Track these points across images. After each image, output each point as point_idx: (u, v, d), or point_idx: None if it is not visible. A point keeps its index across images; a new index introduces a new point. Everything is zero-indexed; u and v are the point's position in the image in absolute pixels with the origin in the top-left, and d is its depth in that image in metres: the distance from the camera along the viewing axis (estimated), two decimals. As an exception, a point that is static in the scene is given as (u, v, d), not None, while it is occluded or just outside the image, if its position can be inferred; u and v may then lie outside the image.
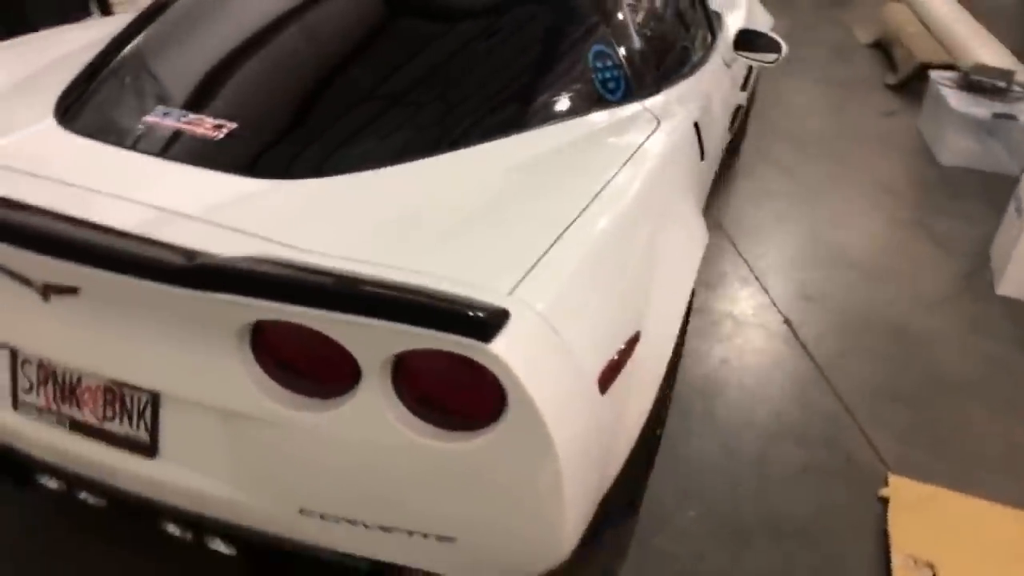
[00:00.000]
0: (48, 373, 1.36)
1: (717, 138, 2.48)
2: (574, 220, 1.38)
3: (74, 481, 1.46)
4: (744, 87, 3.47)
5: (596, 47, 1.87)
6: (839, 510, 2.05)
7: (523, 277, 1.20)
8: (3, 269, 1.24)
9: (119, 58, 1.65)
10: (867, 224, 3.55)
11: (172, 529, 1.46)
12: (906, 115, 4.91)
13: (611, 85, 1.88)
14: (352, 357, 1.14)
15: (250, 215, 1.25)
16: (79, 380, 1.34)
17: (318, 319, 1.10)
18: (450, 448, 1.18)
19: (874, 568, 1.88)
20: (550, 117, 1.72)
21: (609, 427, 1.36)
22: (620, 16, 1.99)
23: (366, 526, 1.29)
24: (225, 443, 1.29)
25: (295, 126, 1.46)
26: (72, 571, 1.74)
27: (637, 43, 2.04)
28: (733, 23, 3.18)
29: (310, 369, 1.20)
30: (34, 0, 3.54)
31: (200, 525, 1.41)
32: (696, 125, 2.06)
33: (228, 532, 1.40)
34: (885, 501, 2.05)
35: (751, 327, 2.76)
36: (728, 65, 2.82)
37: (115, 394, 1.33)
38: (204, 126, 1.44)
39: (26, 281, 1.22)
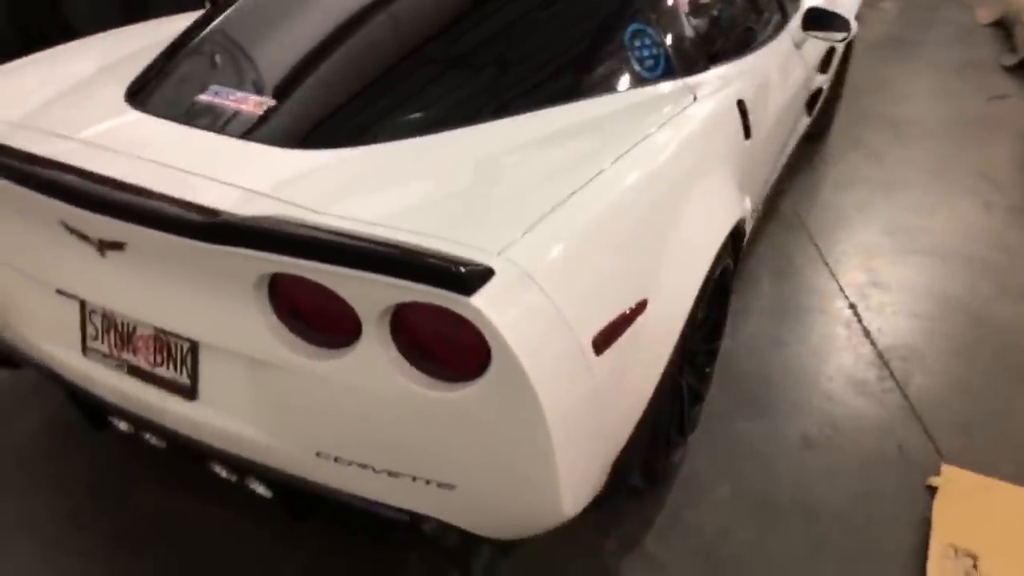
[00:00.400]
0: (109, 322, 1.54)
1: (777, 119, 2.44)
2: (583, 186, 1.43)
3: (137, 423, 1.64)
4: (824, 69, 3.37)
5: (633, 26, 1.90)
6: (883, 498, 1.99)
7: (518, 238, 1.26)
8: (69, 228, 1.41)
9: (184, 48, 1.83)
10: (957, 211, 3.37)
11: (220, 471, 1.62)
12: (1019, 98, 4.59)
13: (649, 63, 1.91)
14: (352, 309, 1.24)
15: (275, 181, 1.37)
16: (134, 328, 1.51)
17: (320, 272, 1.20)
18: (443, 397, 1.26)
19: (911, 556, 1.83)
20: (582, 92, 1.76)
21: (608, 389, 1.40)
22: (660, -3, 2.01)
23: (375, 470, 1.39)
24: (252, 388, 1.42)
25: (327, 101, 1.58)
26: (147, 506, 1.93)
27: (681, 23, 2.05)
28: (811, 2, 3.10)
29: (319, 320, 1.31)
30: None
31: (240, 467, 1.55)
32: (741, 103, 2.04)
33: (262, 474, 1.53)
34: (934, 490, 1.98)
35: (814, 312, 2.70)
36: (798, 46, 2.75)
37: (162, 342, 1.49)
38: (248, 103, 1.58)
39: (85, 237, 1.39)
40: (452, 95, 1.64)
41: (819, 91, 3.39)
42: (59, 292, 1.56)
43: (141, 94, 1.68)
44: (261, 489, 1.61)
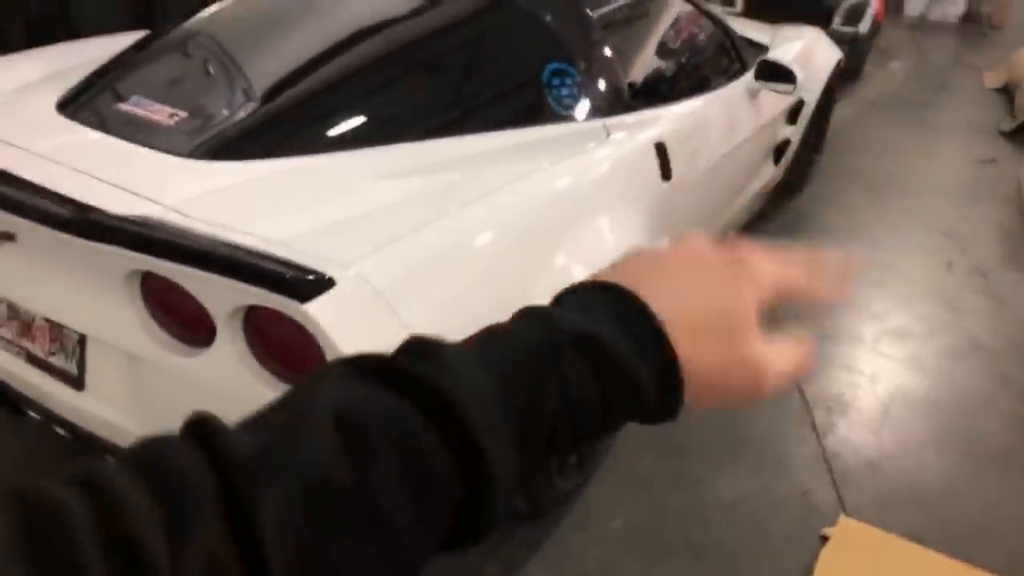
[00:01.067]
0: (14, 311, 1.63)
1: (715, 165, 2.49)
2: (454, 214, 1.50)
3: (43, 412, 1.72)
4: (792, 120, 3.42)
5: (554, 64, 1.98)
6: (777, 541, 2.00)
7: (368, 254, 1.33)
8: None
9: (120, 63, 1.95)
10: (914, 269, 3.38)
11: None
12: (1009, 164, 4.58)
13: (566, 101, 1.98)
14: (203, 307, 1.31)
15: (160, 186, 1.46)
16: (33, 318, 1.60)
17: (173, 272, 1.28)
18: (287, 399, 1.32)
19: (790, 602, 1.83)
20: (490, 124, 1.85)
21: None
22: (587, 40, 2.09)
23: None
24: (129, 381, 1.50)
25: (229, 117, 1.68)
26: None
27: (609, 66, 2.13)
28: (782, 55, 3.17)
29: (182, 318, 1.39)
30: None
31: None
32: (661, 145, 2.10)
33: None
34: (826, 540, 1.98)
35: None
36: (753, 95, 2.82)
37: (57, 332, 1.58)
38: (162, 114, 1.68)
39: (-16, 229, 1.49)
40: (349, 118, 1.73)
41: (786, 142, 3.44)
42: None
43: (72, 103, 1.79)
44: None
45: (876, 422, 2.45)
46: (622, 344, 0.44)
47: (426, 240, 1.42)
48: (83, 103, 1.78)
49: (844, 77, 4.40)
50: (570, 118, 1.97)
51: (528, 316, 0.46)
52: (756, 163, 3.09)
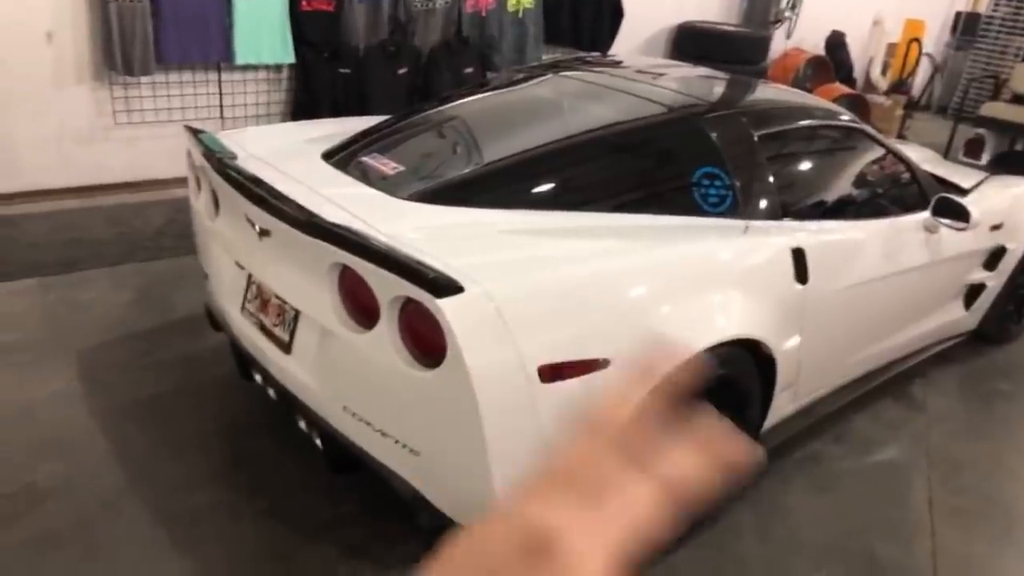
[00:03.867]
0: (259, 290, 2.24)
1: (869, 285, 2.61)
2: (582, 259, 1.89)
3: (260, 371, 2.29)
4: (991, 267, 3.38)
5: (704, 168, 2.32)
6: None
7: (499, 278, 1.74)
8: (247, 219, 2.14)
9: (370, 131, 2.60)
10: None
11: (301, 424, 2.20)
12: None
13: (713, 200, 2.30)
14: (375, 297, 1.78)
15: (370, 210, 1.99)
16: (270, 297, 2.19)
17: (356, 263, 1.77)
18: (418, 376, 1.74)
19: None
20: (646, 208, 2.21)
21: (552, 417, 1.76)
22: (742, 151, 2.39)
23: (373, 428, 1.89)
24: (319, 350, 2.00)
25: (430, 175, 2.21)
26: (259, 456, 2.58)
27: (759, 177, 2.41)
28: (979, 198, 3.22)
29: (360, 304, 1.87)
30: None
31: (307, 416, 2.13)
32: (799, 251, 2.32)
33: (316, 422, 2.08)
34: None
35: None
36: (932, 230, 2.89)
37: (282, 308, 2.14)
38: (387, 166, 2.26)
39: (252, 225, 2.11)
40: (535, 187, 2.20)
41: (980, 287, 3.39)
42: (236, 264, 2.31)
43: (332, 154, 2.44)
44: (318, 441, 2.16)
45: None
46: None
47: (555, 278, 1.81)
48: (337, 154, 2.42)
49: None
50: (714, 214, 2.28)
51: None
52: (929, 298, 3.10)
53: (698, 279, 2.08)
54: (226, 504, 2.31)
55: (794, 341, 2.35)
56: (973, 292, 3.40)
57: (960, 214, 2.77)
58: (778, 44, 7.86)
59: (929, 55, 9.09)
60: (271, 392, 2.29)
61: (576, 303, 1.84)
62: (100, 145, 4.58)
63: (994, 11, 9.29)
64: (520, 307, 1.73)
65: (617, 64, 3.15)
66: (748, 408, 2.29)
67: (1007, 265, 3.47)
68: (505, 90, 2.94)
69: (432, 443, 1.81)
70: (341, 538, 2.22)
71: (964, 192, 3.34)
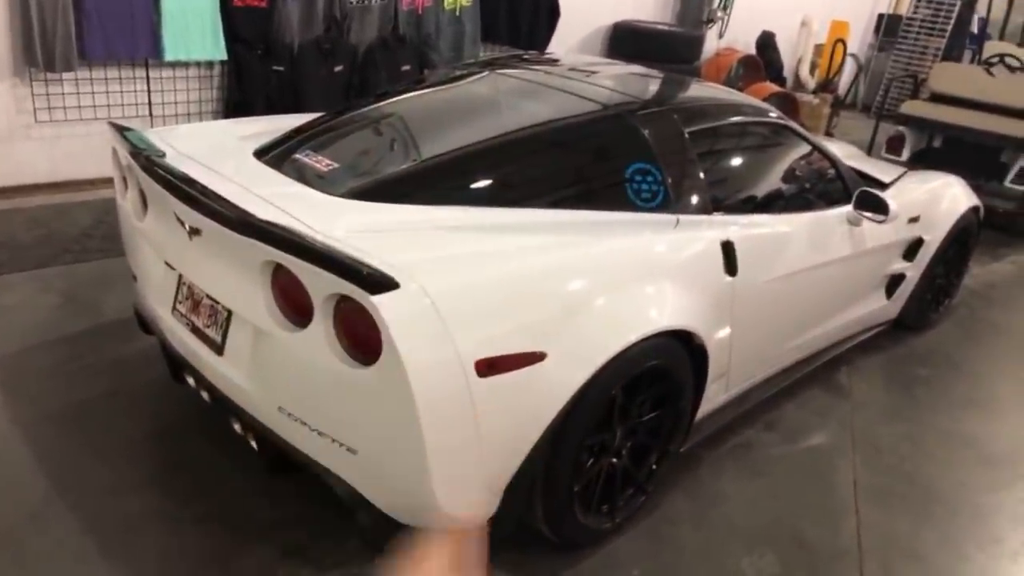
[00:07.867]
0: (191, 291, 2.19)
1: (795, 278, 2.70)
2: (512, 252, 1.91)
3: (192, 374, 2.25)
4: (909, 257, 3.53)
5: (637, 164, 2.36)
6: None
7: (431, 270, 1.74)
8: (177, 217, 2.10)
9: (302, 128, 2.57)
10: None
11: (236, 426, 2.17)
12: None
13: (645, 195, 2.34)
14: (309, 295, 1.76)
15: (302, 207, 1.97)
16: (202, 297, 2.15)
17: (287, 261, 1.75)
18: (353, 373, 1.73)
19: None
20: (578, 203, 2.25)
21: (489, 411, 1.78)
22: (673, 147, 2.45)
23: (309, 428, 1.87)
24: (252, 349, 1.98)
25: (365, 172, 2.21)
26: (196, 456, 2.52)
27: (690, 174, 2.46)
28: (898, 192, 3.36)
29: (294, 303, 1.85)
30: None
31: (241, 419, 2.09)
32: (728, 244, 2.39)
33: (251, 425, 2.05)
34: None
35: (805, 466, 2.79)
36: (855, 223, 3.01)
37: (214, 308, 2.10)
38: (321, 163, 2.24)
39: (182, 224, 2.06)
40: (462, 184, 2.20)
41: (900, 276, 3.54)
42: (166, 264, 2.26)
43: (264, 152, 2.40)
44: (253, 444, 2.13)
45: None
46: None
47: (491, 273, 1.83)
48: (270, 151, 2.38)
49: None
50: (646, 209, 2.32)
51: None
52: (853, 288, 3.22)
53: (631, 272, 2.12)
54: (161, 510, 2.26)
55: (725, 332, 2.42)
56: (894, 282, 3.55)
57: (880, 207, 2.89)
58: (711, 44, 8.05)
59: (854, 55, 9.41)
60: (204, 395, 2.25)
61: (512, 297, 1.85)
62: (20, 144, 4.41)
63: (914, 13, 9.69)
64: (456, 302, 1.74)
65: (553, 62, 3.18)
66: (681, 398, 2.34)
67: (925, 256, 3.63)
68: (442, 87, 2.94)
69: (369, 441, 1.80)
70: (280, 540, 2.19)
71: (885, 186, 3.49)
